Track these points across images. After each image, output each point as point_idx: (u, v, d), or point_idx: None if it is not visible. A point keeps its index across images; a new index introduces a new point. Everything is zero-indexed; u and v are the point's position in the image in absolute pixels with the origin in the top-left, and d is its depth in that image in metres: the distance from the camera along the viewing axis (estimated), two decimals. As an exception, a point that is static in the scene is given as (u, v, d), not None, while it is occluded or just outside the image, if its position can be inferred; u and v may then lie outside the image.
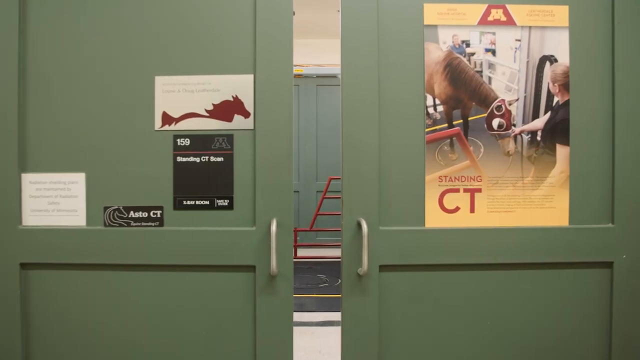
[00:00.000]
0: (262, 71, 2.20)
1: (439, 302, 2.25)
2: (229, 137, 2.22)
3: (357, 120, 2.21)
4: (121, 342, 2.25)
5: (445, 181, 2.24)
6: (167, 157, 2.23)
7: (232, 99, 2.22)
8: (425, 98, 2.23)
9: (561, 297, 2.26)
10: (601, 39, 2.25)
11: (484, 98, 2.23)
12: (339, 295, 5.76)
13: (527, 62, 2.24)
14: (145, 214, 2.24)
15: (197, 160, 2.22)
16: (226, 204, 2.22)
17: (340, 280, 6.47)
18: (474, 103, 2.23)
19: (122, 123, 2.23)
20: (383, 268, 2.22)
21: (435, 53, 2.23)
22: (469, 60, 2.23)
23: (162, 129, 2.23)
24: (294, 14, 2.24)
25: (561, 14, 2.24)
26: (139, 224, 2.24)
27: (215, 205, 2.23)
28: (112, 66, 2.23)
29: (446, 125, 2.23)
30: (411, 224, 2.23)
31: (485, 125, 2.24)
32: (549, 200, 2.25)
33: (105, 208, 2.24)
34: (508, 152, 2.24)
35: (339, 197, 7.79)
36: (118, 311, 2.25)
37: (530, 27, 2.23)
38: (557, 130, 2.24)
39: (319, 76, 8.33)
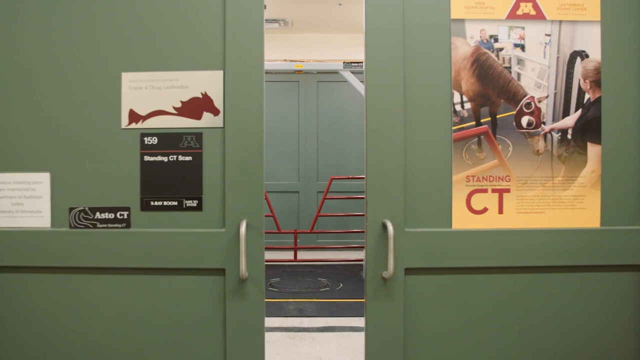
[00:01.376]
0: (232, 67, 2.19)
1: (466, 307, 2.25)
2: (197, 136, 2.21)
3: (382, 118, 2.21)
4: (87, 347, 2.24)
5: (473, 181, 2.24)
6: (134, 156, 2.22)
7: (201, 96, 2.21)
8: (452, 95, 2.23)
9: (592, 301, 2.27)
10: (634, 33, 2.26)
11: (512, 95, 2.24)
12: (341, 300, 5.78)
13: (557, 57, 2.25)
14: (111, 215, 2.23)
15: (165, 159, 2.22)
16: (195, 204, 2.22)
17: (341, 284, 6.49)
18: (502, 100, 2.24)
19: (87, 121, 2.22)
20: (409, 271, 2.22)
21: (462, 48, 2.23)
22: (497, 55, 2.24)
23: (129, 127, 2.22)
24: (265, 7, 2.23)
25: (593, 8, 2.25)
26: (105, 225, 2.23)
27: (184, 206, 2.22)
28: (77, 62, 2.22)
29: (474, 123, 2.24)
30: (438, 226, 2.24)
31: (514, 123, 2.24)
32: (580, 201, 2.25)
33: (71, 209, 2.24)
34: (537, 151, 2.25)
35: (340, 198, 7.85)
36: (83, 316, 2.24)
37: (560, 22, 2.24)
38: (588, 129, 2.25)
39: (319, 72, 8.33)
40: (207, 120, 2.21)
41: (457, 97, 2.23)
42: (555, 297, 2.26)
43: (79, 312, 2.24)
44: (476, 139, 2.24)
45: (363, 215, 7.05)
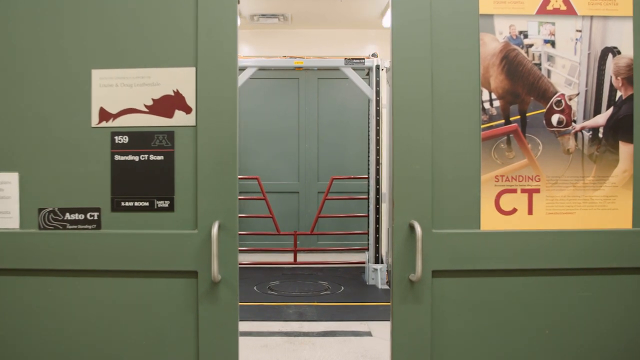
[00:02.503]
0: (205, 63, 2.19)
1: (495, 310, 2.26)
2: (169, 134, 2.21)
3: (409, 117, 2.21)
4: (56, 351, 2.24)
5: (502, 181, 2.25)
6: (105, 155, 2.22)
7: (173, 94, 2.21)
8: (480, 92, 2.23)
9: (624, 304, 2.28)
10: (667, 30, 2.27)
11: (542, 92, 2.24)
12: (342, 304, 5.79)
13: (589, 54, 2.26)
14: (81, 216, 2.23)
15: (136, 158, 2.21)
16: (167, 205, 2.22)
17: (342, 288, 6.49)
18: (532, 98, 2.24)
19: (57, 120, 2.22)
20: (436, 273, 2.23)
21: (491, 44, 2.24)
22: (526, 52, 2.24)
23: (99, 125, 2.21)
24: (238, 2, 2.23)
25: (625, 3, 2.26)
26: (75, 226, 2.23)
27: (155, 206, 2.22)
28: (46, 59, 2.21)
29: (503, 121, 2.24)
30: (466, 227, 2.24)
31: (544, 122, 2.25)
32: (612, 202, 2.27)
33: (40, 210, 2.23)
34: (568, 150, 2.26)
35: (342, 199, 7.85)
36: (52, 319, 2.23)
37: (591, 17, 2.25)
38: (620, 127, 2.26)
39: (320, 69, 8.32)
40: (179, 118, 2.21)
41: (485, 95, 2.24)
42: (586, 300, 2.27)
43: (47, 316, 2.23)
44: (505, 137, 2.25)
45: (365, 216, 7.09)
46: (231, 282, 2.20)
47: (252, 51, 8.49)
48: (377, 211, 6.80)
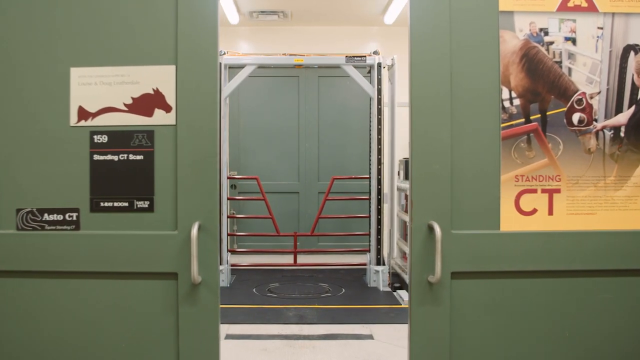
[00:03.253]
0: (185, 61, 2.19)
1: (515, 312, 2.26)
2: (149, 134, 2.22)
3: (428, 116, 2.22)
4: (34, 354, 2.24)
5: (522, 181, 2.25)
6: (84, 155, 2.22)
7: (152, 92, 2.21)
8: (500, 91, 2.24)
9: (646, 306, 2.29)
10: (689, 27, 2.28)
11: (563, 91, 2.25)
12: (343, 306, 5.79)
13: (610, 51, 2.26)
14: (60, 217, 2.23)
15: (115, 158, 2.22)
16: (146, 205, 2.23)
17: (343, 290, 6.49)
18: (552, 96, 2.25)
19: (35, 119, 2.22)
20: (455, 275, 2.23)
21: (511, 42, 2.24)
22: (547, 49, 2.25)
23: (78, 124, 2.22)
24: None
25: (647, 1, 2.27)
26: (54, 227, 2.23)
27: (135, 207, 2.23)
28: (24, 57, 2.21)
29: (523, 120, 2.25)
30: (485, 228, 2.25)
31: (565, 121, 2.26)
32: (634, 202, 2.27)
33: (18, 210, 2.23)
34: (589, 149, 2.26)
35: (343, 199, 7.84)
36: (30, 321, 2.23)
37: (613, 14, 2.26)
38: (642, 126, 2.27)
39: (320, 67, 8.32)
40: (159, 117, 2.21)
41: (505, 93, 2.24)
42: (607, 302, 2.27)
43: (25, 317, 2.23)
44: (525, 136, 2.25)
45: (366, 217, 7.09)
46: (211, 284, 2.21)
47: (251, 49, 8.48)
48: (379, 212, 6.79)
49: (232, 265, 7.13)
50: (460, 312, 2.24)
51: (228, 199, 6.98)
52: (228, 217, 6.98)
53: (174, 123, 2.20)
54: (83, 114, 2.21)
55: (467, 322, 2.25)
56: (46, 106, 2.21)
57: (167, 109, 2.20)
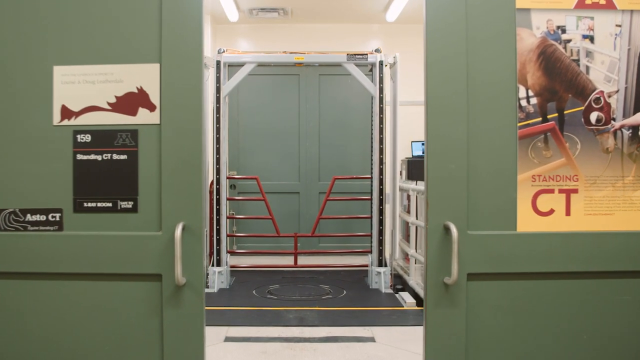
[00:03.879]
0: (169, 59, 2.20)
1: (532, 314, 2.26)
2: (133, 133, 2.22)
3: (443, 115, 2.22)
4: (15, 356, 2.24)
5: (539, 181, 2.25)
6: (67, 154, 2.22)
7: (136, 91, 2.22)
8: (517, 89, 2.24)
9: (665, 307, 2.29)
10: None
11: (581, 90, 2.25)
12: (344, 308, 5.78)
13: (629, 49, 2.26)
14: (43, 217, 2.23)
15: (99, 158, 2.22)
16: (130, 206, 2.23)
17: (345, 292, 6.48)
18: (570, 95, 2.25)
19: (17, 118, 2.21)
20: (471, 276, 2.23)
21: (528, 40, 2.24)
22: (564, 47, 2.25)
23: (61, 123, 2.22)
24: None
25: (666, -2, 2.27)
26: (37, 228, 2.23)
27: (119, 207, 2.23)
28: (6, 55, 2.21)
29: (540, 119, 2.25)
30: (502, 228, 2.25)
31: (583, 120, 2.26)
32: (652, 202, 2.28)
33: (0, 211, 2.23)
34: (607, 149, 2.27)
35: (344, 199, 7.84)
36: (12, 323, 2.23)
37: (632, 11, 2.26)
38: (661, 125, 2.28)
39: (321, 65, 8.31)
40: (143, 116, 2.21)
41: (522, 92, 2.24)
42: (626, 304, 2.27)
43: (7, 319, 2.23)
44: (542, 136, 2.25)
45: (368, 217, 7.09)
46: (196, 286, 2.21)
47: (250, 46, 8.47)
48: (381, 212, 6.79)
49: (231, 267, 7.11)
50: (477, 314, 2.24)
51: (227, 199, 6.96)
52: (227, 217, 6.96)
53: (158, 122, 2.20)
54: (66, 113, 2.21)
55: (484, 324, 2.24)
56: (29, 105, 2.21)
57: (151, 107, 2.20)
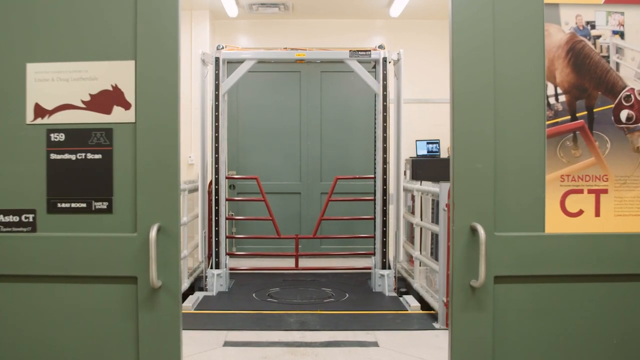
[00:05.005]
0: (144, 57, 2.20)
1: (560, 318, 2.26)
2: (107, 132, 2.22)
3: (470, 114, 2.22)
4: None
5: (568, 181, 2.25)
6: (40, 154, 2.23)
7: (111, 89, 2.22)
8: (545, 87, 2.24)
9: (698, 311, 2.29)
10: None
11: (611, 87, 2.25)
12: (346, 312, 5.77)
13: (660, 45, 2.27)
14: (16, 218, 2.23)
15: (73, 157, 2.23)
16: (105, 206, 2.23)
17: (347, 295, 6.48)
18: (599, 92, 2.25)
19: None
20: (498, 279, 2.23)
21: (556, 36, 2.24)
22: (594, 43, 2.25)
23: (34, 122, 2.22)
24: None
25: (698, -7, 2.27)
26: (9, 229, 2.23)
27: (93, 208, 2.23)
28: None
29: (569, 117, 2.25)
30: (530, 229, 2.25)
31: (613, 118, 2.26)
32: (684, 203, 2.28)
33: None
34: (638, 148, 2.27)
35: (347, 200, 7.83)
36: None
37: (663, 7, 2.26)
38: (693, 124, 2.28)
39: (323, 61, 8.29)
40: (118, 114, 2.22)
41: (550, 89, 2.24)
42: (657, 307, 2.28)
43: None
44: (571, 134, 2.25)
45: (371, 218, 7.08)
46: (172, 289, 2.21)
47: (250, 43, 8.46)
48: (384, 213, 6.79)
49: (230, 269, 7.10)
50: (504, 318, 2.24)
51: (226, 199, 6.94)
52: (227, 218, 6.95)
53: (133, 121, 2.21)
54: (39, 111, 2.21)
55: (511, 328, 2.25)
56: (1, 103, 2.21)
57: (127, 106, 2.21)
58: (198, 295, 6.44)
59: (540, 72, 2.23)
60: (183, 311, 5.64)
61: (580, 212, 2.25)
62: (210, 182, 6.79)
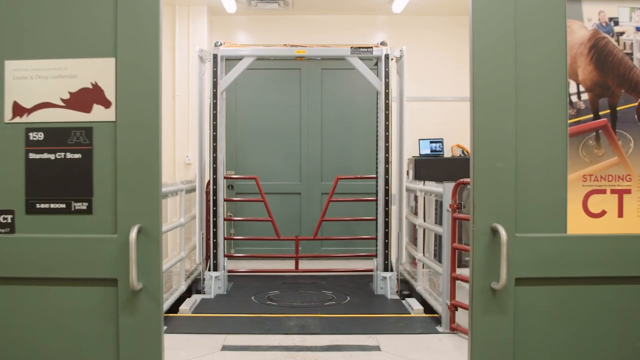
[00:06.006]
0: (125, 54, 2.21)
1: (582, 321, 2.27)
2: (87, 131, 2.23)
3: (491, 112, 2.22)
4: None
5: (590, 181, 2.26)
6: (19, 153, 2.23)
7: (91, 87, 2.22)
8: (567, 84, 2.24)
9: None
10: None
11: (634, 85, 2.26)
12: (348, 315, 5.77)
13: (685, 43, 2.28)
14: None
15: (52, 157, 2.23)
16: (85, 207, 2.24)
17: (348, 298, 6.48)
18: (622, 90, 2.26)
19: None
20: (520, 281, 2.24)
21: (578, 32, 2.24)
22: (617, 40, 2.26)
23: (12, 121, 2.23)
24: None
25: None
26: None
27: (73, 208, 2.24)
28: None
29: (591, 115, 2.26)
30: (551, 230, 2.25)
31: (636, 116, 2.27)
32: None
33: None
34: (662, 147, 2.28)
35: (348, 200, 7.83)
36: None
37: (688, 3, 2.27)
38: None
39: (324, 58, 8.29)
40: (98, 113, 2.22)
41: (573, 87, 2.24)
42: (681, 309, 2.28)
43: None
44: (594, 133, 2.25)
45: (373, 219, 7.08)
46: (153, 291, 2.21)
47: (249, 39, 8.45)
48: (387, 214, 6.78)
49: (229, 272, 7.09)
50: (525, 321, 2.24)
51: (225, 200, 6.93)
52: (225, 219, 6.93)
53: (113, 119, 2.21)
54: (18, 109, 2.21)
55: (532, 331, 2.25)
56: None
57: (107, 104, 2.21)
58: (196, 298, 6.42)
59: (562, 69, 2.24)
60: (180, 314, 5.68)
61: (603, 212, 2.26)
62: (208, 182, 6.77)
